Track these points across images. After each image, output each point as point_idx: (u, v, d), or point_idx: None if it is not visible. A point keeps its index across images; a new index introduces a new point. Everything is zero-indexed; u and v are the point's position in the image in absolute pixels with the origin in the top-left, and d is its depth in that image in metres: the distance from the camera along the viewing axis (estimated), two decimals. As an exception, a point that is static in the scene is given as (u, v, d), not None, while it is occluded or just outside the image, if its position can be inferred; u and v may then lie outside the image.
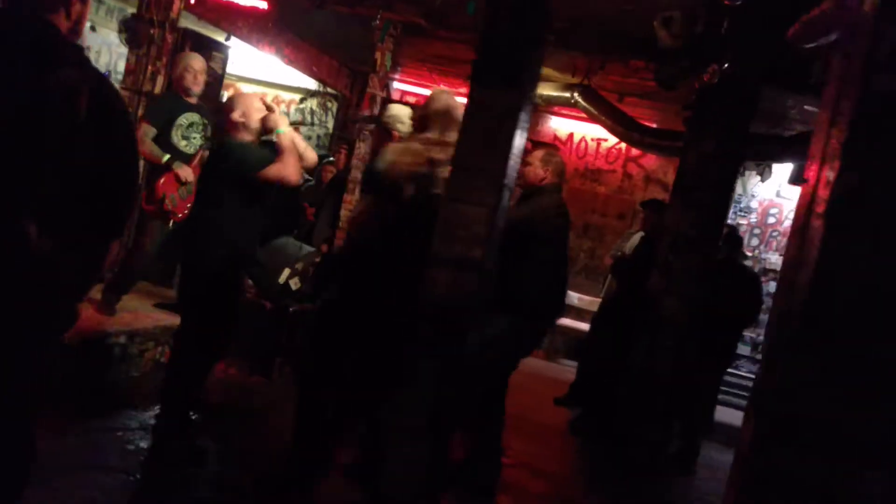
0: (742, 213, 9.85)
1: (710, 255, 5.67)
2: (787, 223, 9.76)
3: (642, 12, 5.61)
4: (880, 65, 1.97)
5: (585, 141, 10.63)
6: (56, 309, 2.27)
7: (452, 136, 3.51)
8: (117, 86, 4.10)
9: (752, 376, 8.78)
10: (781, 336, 2.19)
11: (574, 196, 9.89)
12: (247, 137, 4.03)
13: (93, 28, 8.67)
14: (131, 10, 6.78)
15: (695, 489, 5.79)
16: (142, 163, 4.76)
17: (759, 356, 9.29)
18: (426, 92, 9.20)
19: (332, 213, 7.10)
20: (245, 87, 10.71)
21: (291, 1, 7.22)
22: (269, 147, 4.08)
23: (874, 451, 1.99)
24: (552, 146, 9.61)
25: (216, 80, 7.63)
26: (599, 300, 8.01)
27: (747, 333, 8.84)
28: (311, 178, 7.87)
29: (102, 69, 7.52)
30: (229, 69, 8.49)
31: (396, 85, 11.00)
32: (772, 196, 9.92)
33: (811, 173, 2.15)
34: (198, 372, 4.09)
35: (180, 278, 4.49)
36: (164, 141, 5.16)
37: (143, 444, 4.00)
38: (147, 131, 5.04)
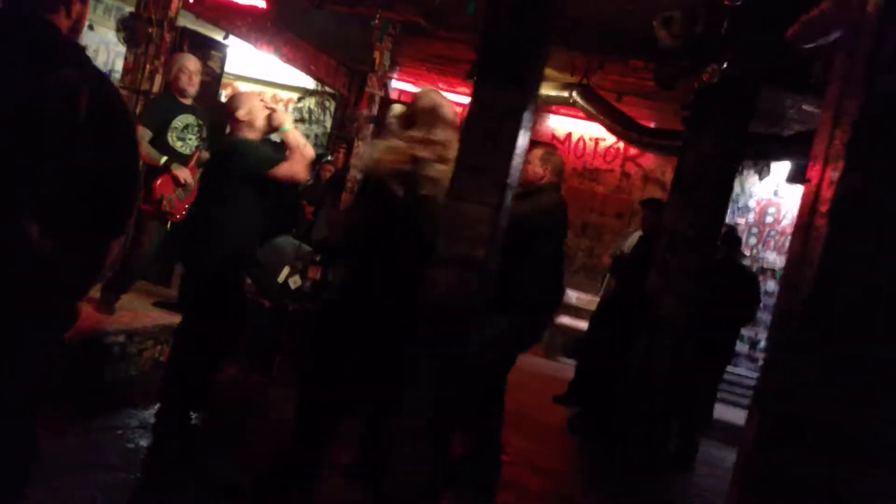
0: (740, 213, 9.86)
1: (709, 255, 5.68)
2: (785, 222, 9.77)
3: (642, 12, 5.61)
4: (884, 65, 1.97)
5: (584, 140, 10.63)
6: (56, 309, 2.27)
7: (439, 135, 3.52)
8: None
9: (750, 374, 8.83)
10: (784, 335, 2.20)
11: (572, 195, 9.88)
12: (252, 135, 4.03)
13: (90, 27, 8.65)
14: (129, 8, 6.76)
15: (694, 486, 5.81)
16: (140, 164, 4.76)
17: (757, 355, 9.32)
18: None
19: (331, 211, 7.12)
20: (243, 86, 10.69)
21: (290, 0, 7.21)
22: (271, 145, 4.09)
23: (877, 450, 1.99)
24: (551, 145, 9.61)
25: (214, 79, 7.62)
26: (598, 299, 8.02)
27: (745, 332, 8.87)
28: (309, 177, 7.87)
29: (101, 68, 7.50)
30: (227, 68, 8.48)
31: (395, 84, 11.00)
32: (770, 195, 9.92)
33: (814, 173, 2.15)
34: (198, 371, 4.09)
35: (181, 278, 4.48)
36: (160, 143, 5.16)
37: (143, 443, 4.00)
38: (143, 134, 5.03)
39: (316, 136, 11.22)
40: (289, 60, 9.04)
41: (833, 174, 2.02)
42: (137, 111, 5.62)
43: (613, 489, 5.19)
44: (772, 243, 9.87)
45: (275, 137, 4.29)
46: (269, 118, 4.09)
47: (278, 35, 8.50)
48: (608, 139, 10.18)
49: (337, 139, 9.99)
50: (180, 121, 5.26)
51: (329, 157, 8.51)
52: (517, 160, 3.21)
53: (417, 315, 3.21)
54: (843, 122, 2.05)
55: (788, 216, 9.73)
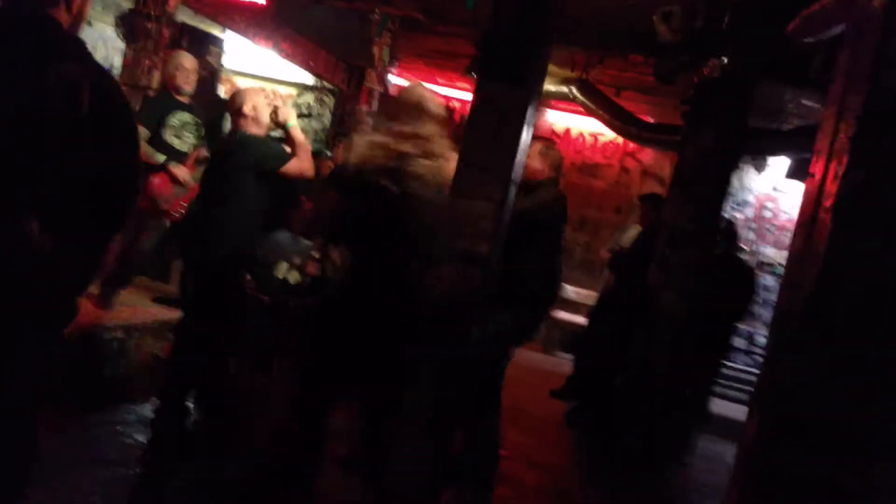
0: (738, 208, 9.86)
1: (709, 250, 5.68)
2: (783, 217, 9.78)
3: (642, 7, 5.59)
4: (891, 60, 1.96)
5: (583, 135, 10.62)
6: (57, 308, 2.25)
7: (422, 129, 3.48)
8: (114, 80, 4.08)
9: (747, 369, 8.87)
10: (785, 333, 2.19)
11: (571, 190, 9.83)
12: (257, 131, 4.03)
13: (89, 23, 8.61)
14: (128, 4, 6.73)
15: (692, 481, 5.81)
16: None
17: (753, 349, 9.33)
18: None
19: (330, 207, 7.09)
20: (241, 82, 10.66)
21: (289, -4, 7.21)
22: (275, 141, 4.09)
23: (879, 449, 1.99)
24: (549, 140, 9.60)
25: (212, 74, 7.60)
26: (596, 294, 8.02)
27: (743, 327, 8.88)
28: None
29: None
30: (225, 63, 8.46)
31: (394, 79, 10.96)
32: (768, 190, 9.93)
33: (817, 168, 2.14)
34: (197, 368, 4.08)
35: (181, 274, 4.47)
36: (157, 140, 5.15)
37: (142, 439, 4.00)
38: (140, 133, 5.02)
39: (315, 132, 11.19)
40: (288, 56, 9.00)
41: (837, 169, 2.02)
42: (137, 107, 5.61)
43: (611, 484, 5.19)
44: (769, 238, 9.87)
45: (273, 133, 4.28)
46: (275, 114, 4.08)
47: (277, 30, 8.47)
48: (607, 134, 10.16)
49: (336, 135, 9.95)
50: (177, 118, 5.25)
51: (328, 153, 8.49)
52: (520, 157, 3.21)
53: (414, 312, 3.21)
54: (847, 116, 2.04)
55: (786, 211, 9.74)
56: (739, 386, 8.51)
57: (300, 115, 11.13)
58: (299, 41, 8.89)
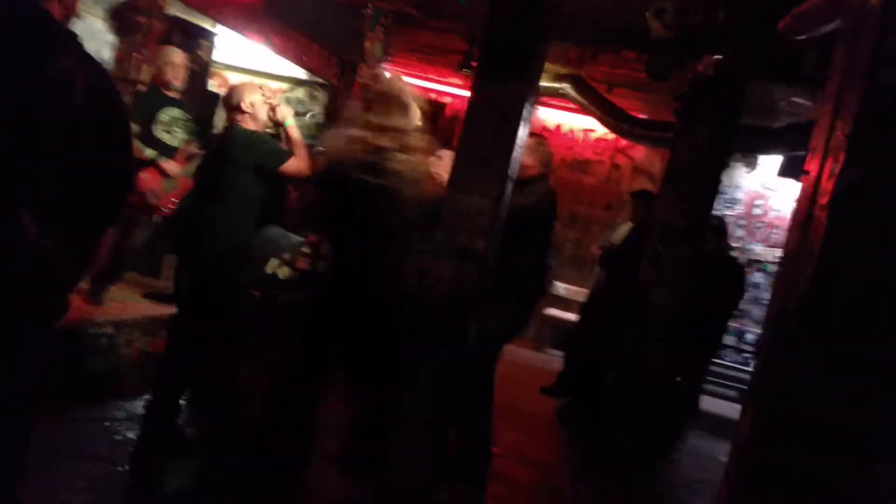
0: (728, 205, 9.88)
1: (700, 246, 5.68)
2: (773, 214, 9.81)
3: (638, 4, 5.59)
4: (888, 57, 1.96)
5: (573, 131, 10.61)
6: (56, 308, 2.24)
7: (398, 122, 3.45)
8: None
9: (737, 366, 8.89)
10: (781, 331, 2.18)
11: (561, 186, 9.81)
12: (253, 127, 4.01)
13: (78, 16, 8.55)
14: (118, -3, 6.69)
15: (681, 477, 5.83)
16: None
17: (743, 346, 9.36)
18: (415, 82, 9.19)
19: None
20: (232, 76, 10.60)
21: (281, -11, 7.17)
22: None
23: (877, 448, 1.98)
24: (539, 135, 9.59)
25: (203, 68, 7.55)
26: (587, 290, 8.02)
27: (733, 324, 8.90)
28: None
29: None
30: (216, 57, 8.41)
31: (387, 74, 10.93)
32: (757, 188, 9.95)
33: (812, 165, 2.14)
34: (188, 365, 4.06)
35: (175, 270, 4.44)
36: (147, 136, 5.13)
37: (131, 435, 3.98)
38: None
39: (307, 127, 11.14)
40: (279, 51, 8.97)
41: (833, 166, 2.01)
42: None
43: (602, 480, 5.20)
44: (759, 236, 9.90)
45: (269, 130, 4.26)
46: (273, 112, 4.07)
47: (269, 25, 8.43)
48: (598, 130, 10.16)
49: (328, 130, 9.91)
50: (166, 113, 5.24)
51: (320, 148, 8.46)
52: (517, 153, 3.20)
53: (410, 309, 3.20)
54: (843, 114, 2.03)
55: (776, 209, 9.77)
56: (728, 383, 8.54)
57: (296, 114, 11.07)
58: (291, 35, 8.86)
